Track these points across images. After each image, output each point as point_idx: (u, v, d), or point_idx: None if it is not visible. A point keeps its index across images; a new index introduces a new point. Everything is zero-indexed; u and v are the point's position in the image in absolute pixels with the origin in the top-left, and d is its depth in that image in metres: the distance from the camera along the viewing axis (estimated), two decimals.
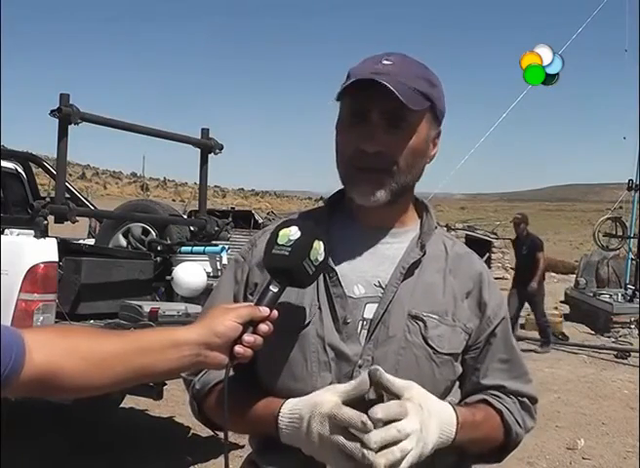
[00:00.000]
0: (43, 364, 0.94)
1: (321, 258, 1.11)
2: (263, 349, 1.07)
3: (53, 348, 0.96)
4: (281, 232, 1.11)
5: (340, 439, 1.02)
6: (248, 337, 1.05)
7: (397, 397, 1.06)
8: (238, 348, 1.04)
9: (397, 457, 1.01)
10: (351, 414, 1.01)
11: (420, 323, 1.17)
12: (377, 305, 1.18)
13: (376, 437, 1.00)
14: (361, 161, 1.17)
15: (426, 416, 1.06)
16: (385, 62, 1.17)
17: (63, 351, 0.97)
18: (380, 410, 1.01)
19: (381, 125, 1.16)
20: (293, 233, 1.10)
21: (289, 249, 1.09)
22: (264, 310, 1.07)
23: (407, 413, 1.03)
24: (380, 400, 1.07)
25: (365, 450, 1.00)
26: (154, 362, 1.02)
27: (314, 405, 1.06)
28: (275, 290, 1.09)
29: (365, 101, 1.16)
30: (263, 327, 1.06)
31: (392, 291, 1.18)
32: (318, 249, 1.10)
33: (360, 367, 1.15)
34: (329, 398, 1.05)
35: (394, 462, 1.01)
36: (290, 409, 1.10)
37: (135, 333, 1.07)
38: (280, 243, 1.10)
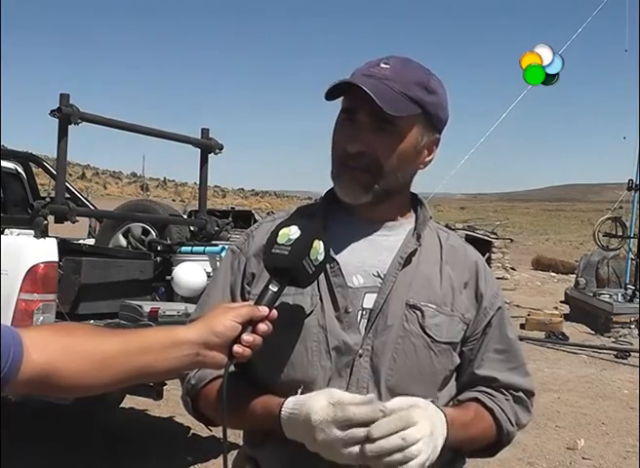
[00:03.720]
0: (42, 363, 0.94)
1: (321, 258, 1.11)
2: (263, 340, 1.08)
3: (52, 347, 0.96)
4: (281, 231, 1.11)
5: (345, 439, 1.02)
6: (247, 337, 1.05)
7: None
8: (237, 348, 1.05)
9: (397, 459, 1.02)
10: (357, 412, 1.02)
11: (418, 312, 1.19)
12: (376, 295, 1.19)
13: (375, 446, 1.01)
14: (345, 159, 1.19)
15: (435, 419, 1.08)
16: (383, 65, 1.18)
17: (63, 350, 0.97)
18: (376, 431, 1.02)
19: (367, 125, 1.17)
20: (293, 232, 1.10)
21: (289, 248, 1.09)
22: (264, 310, 1.07)
23: (414, 422, 1.04)
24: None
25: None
26: (154, 361, 1.02)
27: (309, 409, 1.05)
28: (275, 289, 1.10)
29: (354, 102, 1.18)
30: (263, 326, 1.06)
31: (391, 280, 1.20)
32: (318, 248, 1.11)
33: (360, 356, 1.16)
34: (324, 403, 1.05)
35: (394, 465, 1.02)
36: (290, 409, 1.09)
37: (135, 333, 1.07)
38: (280, 242, 1.10)
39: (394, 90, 1.15)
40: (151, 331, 1.09)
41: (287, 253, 1.09)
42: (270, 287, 1.10)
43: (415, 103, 1.17)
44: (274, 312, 1.08)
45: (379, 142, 1.18)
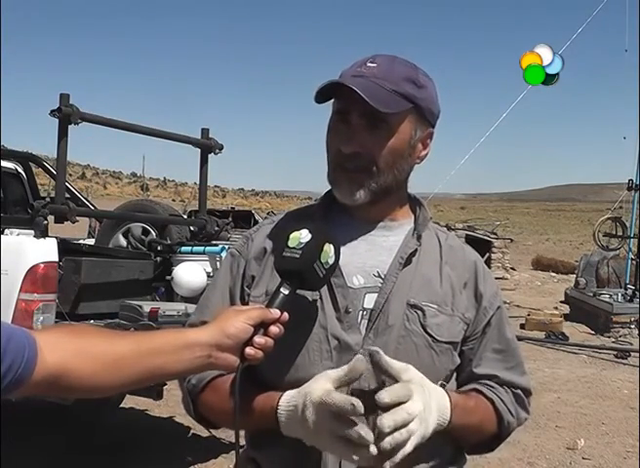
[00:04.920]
0: (55, 364, 0.94)
1: (331, 261, 1.12)
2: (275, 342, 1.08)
3: (64, 349, 0.96)
4: (292, 235, 1.12)
5: (334, 424, 1.02)
6: (259, 339, 1.05)
7: (395, 379, 1.07)
8: (249, 350, 1.05)
9: (404, 438, 1.03)
10: (340, 399, 1.02)
11: (419, 312, 1.19)
12: (376, 295, 1.20)
13: (388, 421, 1.01)
14: (341, 161, 1.19)
15: (427, 397, 1.08)
16: (370, 65, 1.19)
17: (76, 352, 0.97)
18: (386, 395, 1.02)
19: (361, 126, 1.17)
20: (303, 236, 1.11)
21: (299, 251, 1.10)
22: (275, 312, 1.07)
23: (412, 395, 1.05)
24: (380, 388, 1.07)
25: (362, 431, 1.01)
26: (166, 363, 1.02)
27: (305, 394, 1.07)
28: (286, 292, 1.10)
29: (346, 103, 1.18)
30: (274, 329, 1.06)
31: (392, 280, 1.20)
32: (329, 251, 1.11)
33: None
34: (320, 385, 1.06)
35: (400, 443, 1.02)
36: (287, 400, 1.11)
37: (146, 334, 1.07)
38: (291, 246, 1.11)
39: (384, 87, 1.16)
40: (163, 333, 1.08)
41: (298, 256, 1.09)
42: (281, 289, 1.10)
43: (405, 99, 1.18)
44: (285, 315, 1.08)
45: (373, 142, 1.18)
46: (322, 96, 1.18)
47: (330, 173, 1.23)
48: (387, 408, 1.02)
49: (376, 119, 1.17)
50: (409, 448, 1.03)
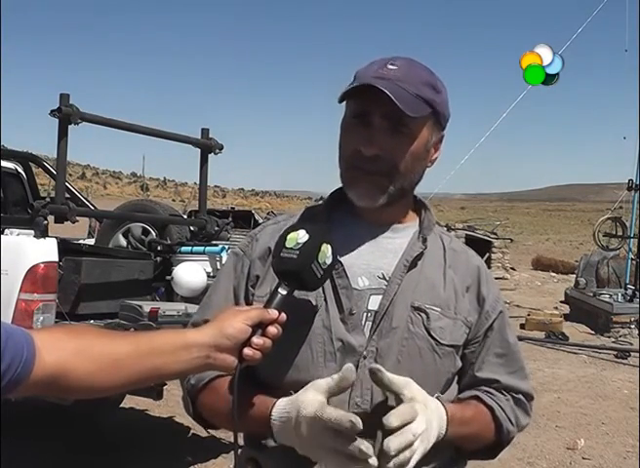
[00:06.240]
0: (53, 364, 0.94)
1: (329, 261, 1.12)
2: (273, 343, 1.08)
3: (63, 349, 0.96)
4: (289, 236, 1.12)
5: (331, 441, 1.02)
6: (257, 340, 1.05)
7: (397, 395, 1.08)
8: (247, 350, 1.05)
9: (407, 458, 1.03)
10: (337, 415, 1.02)
11: (423, 314, 1.19)
12: (381, 297, 1.20)
13: (394, 444, 1.02)
14: (359, 163, 1.18)
15: (430, 415, 1.09)
16: (391, 67, 1.18)
17: (74, 352, 0.97)
18: (394, 419, 1.03)
19: (382, 128, 1.17)
20: (301, 236, 1.11)
21: (297, 252, 1.10)
22: (273, 312, 1.07)
23: (416, 416, 1.05)
24: (383, 404, 1.08)
25: (362, 446, 1.01)
26: (165, 363, 1.03)
27: (298, 407, 1.06)
28: (284, 292, 1.10)
29: (367, 104, 1.17)
30: (272, 329, 1.06)
31: (397, 283, 1.20)
32: (326, 252, 1.12)
33: (365, 357, 1.17)
34: (311, 397, 1.06)
35: (404, 463, 1.03)
36: (279, 410, 1.11)
37: (145, 335, 1.07)
38: (288, 246, 1.11)
39: (408, 91, 1.15)
40: (162, 334, 1.08)
41: (295, 256, 1.10)
42: (279, 290, 1.10)
43: (426, 104, 1.18)
44: (283, 315, 1.08)
45: (395, 145, 1.17)
46: (342, 96, 1.17)
47: (343, 173, 1.22)
48: (394, 429, 1.03)
49: (398, 122, 1.16)
50: (411, 465, 1.04)
